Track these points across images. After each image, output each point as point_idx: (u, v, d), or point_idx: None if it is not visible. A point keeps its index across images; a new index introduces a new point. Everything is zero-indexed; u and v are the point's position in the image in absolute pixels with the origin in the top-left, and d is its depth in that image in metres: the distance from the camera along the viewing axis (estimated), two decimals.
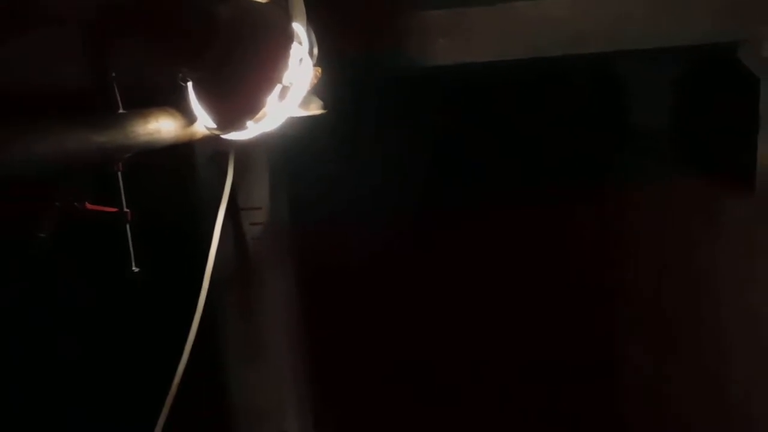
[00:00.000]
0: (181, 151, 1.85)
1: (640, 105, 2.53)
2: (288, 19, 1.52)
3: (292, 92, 1.58)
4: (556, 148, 2.54)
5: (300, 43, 1.55)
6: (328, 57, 1.72)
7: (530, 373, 2.46)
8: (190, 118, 1.55)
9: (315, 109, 1.81)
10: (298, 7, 1.54)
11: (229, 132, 1.56)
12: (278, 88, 1.53)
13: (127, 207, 1.48)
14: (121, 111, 1.40)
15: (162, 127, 1.46)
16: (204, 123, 1.57)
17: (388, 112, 2.41)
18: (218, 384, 2.32)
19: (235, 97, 1.51)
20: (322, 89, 1.80)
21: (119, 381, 2.10)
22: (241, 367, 2.35)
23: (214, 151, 2.10)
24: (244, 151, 2.04)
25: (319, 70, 1.71)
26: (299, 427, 2.44)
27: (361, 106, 2.29)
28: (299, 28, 1.57)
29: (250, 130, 1.56)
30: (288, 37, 1.50)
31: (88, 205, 1.42)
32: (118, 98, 1.40)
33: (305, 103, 1.72)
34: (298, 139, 1.94)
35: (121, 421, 2.09)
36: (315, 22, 1.65)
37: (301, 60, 1.57)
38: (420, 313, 2.48)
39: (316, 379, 2.44)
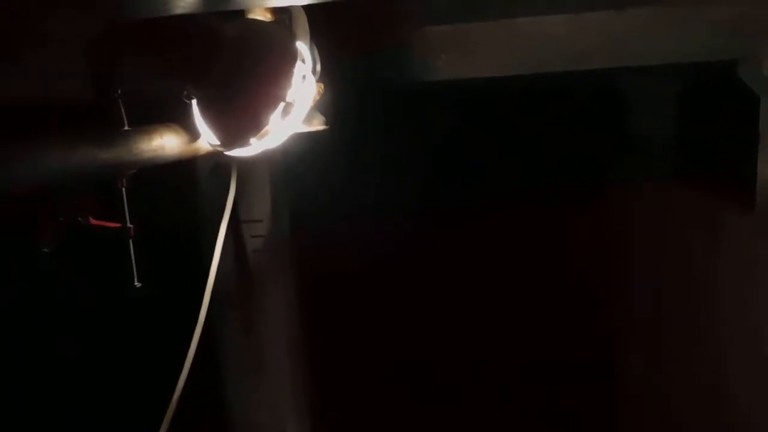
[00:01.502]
0: (183, 165, 1.87)
1: (640, 121, 2.55)
2: (292, 38, 1.53)
3: (295, 109, 1.60)
4: (557, 163, 2.55)
5: (303, 61, 1.57)
6: (330, 72, 1.73)
7: (530, 374, 2.46)
8: (194, 135, 1.56)
9: (317, 124, 1.82)
10: (302, 25, 1.55)
11: (232, 149, 1.58)
12: (281, 105, 1.54)
13: (131, 221, 1.49)
14: (126, 128, 1.42)
15: (166, 143, 1.47)
16: (208, 140, 1.58)
17: (389, 127, 2.43)
18: (219, 397, 2.32)
19: (238, 115, 1.52)
20: (324, 104, 1.82)
21: (121, 394, 2.10)
22: (242, 380, 2.35)
23: (216, 164, 2.11)
24: (246, 164, 2.04)
25: (322, 86, 1.72)
26: None
27: (364, 121, 2.30)
28: (302, 47, 1.58)
29: (254, 147, 1.58)
30: (291, 56, 1.52)
31: (92, 220, 1.43)
32: (124, 115, 1.41)
33: (308, 119, 1.74)
34: (300, 153, 1.95)
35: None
36: (317, 38, 1.67)
37: (304, 77, 1.59)
38: (419, 322, 2.49)
39: (317, 392, 2.44)
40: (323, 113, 1.84)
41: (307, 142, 1.89)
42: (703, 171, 2.50)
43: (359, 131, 2.31)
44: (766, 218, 2.42)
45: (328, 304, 2.45)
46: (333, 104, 1.83)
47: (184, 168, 2.06)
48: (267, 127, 1.53)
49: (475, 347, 2.49)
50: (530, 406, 2.46)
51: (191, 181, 2.18)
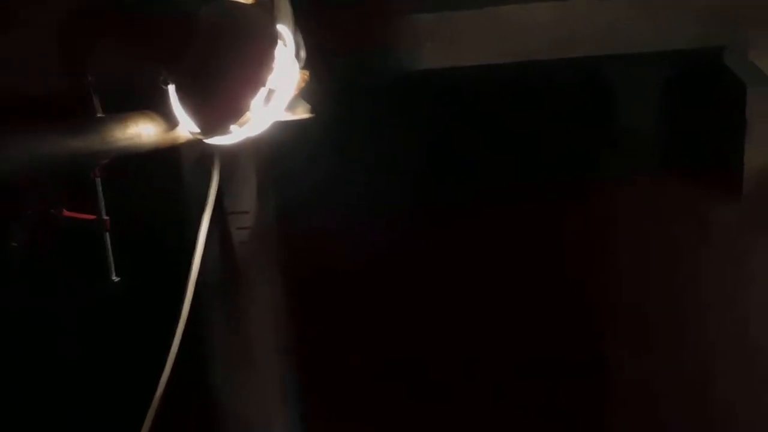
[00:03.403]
0: (165, 155, 1.77)
1: (627, 109, 2.47)
2: (272, 20, 1.43)
3: (278, 96, 1.50)
4: (545, 151, 2.47)
5: (285, 44, 1.47)
6: (315, 60, 1.64)
7: (524, 370, 2.39)
8: (172, 123, 1.46)
9: (302, 113, 1.73)
10: (284, 8, 1.46)
11: (212, 136, 1.48)
12: (263, 91, 1.44)
13: (110, 213, 1.40)
14: (99, 115, 1.31)
15: (142, 131, 1.37)
16: (187, 127, 1.48)
17: (376, 116, 2.34)
18: (205, 390, 2.23)
19: (217, 101, 1.42)
20: (309, 93, 1.73)
21: (105, 390, 2.01)
22: (229, 375, 2.27)
23: (200, 153, 2.02)
24: (231, 154, 1.95)
25: (307, 73, 1.63)
26: None
27: (349, 110, 2.21)
28: (285, 30, 1.48)
29: (235, 135, 1.48)
30: (272, 39, 1.42)
31: (65, 213, 1.33)
32: (96, 102, 1.31)
33: (292, 107, 1.64)
34: (286, 143, 1.86)
35: (107, 429, 2.00)
36: (303, 26, 1.58)
37: (286, 63, 1.49)
38: (411, 318, 2.41)
39: (305, 387, 2.36)
40: (308, 101, 1.75)
41: (292, 131, 1.81)
42: (690, 159, 2.43)
43: (346, 121, 2.23)
44: (754, 206, 2.36)
45: (317, 297, 2.36)
46: (318, 93, 1.75)
47: (167, 158, 1.97)
48: (248, 114, 1.44)
49: (468, 343, 2.41)
50: (525, 403, 2.39)
51: (175, 172, 2.08)
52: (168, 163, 1.96)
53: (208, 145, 1.61)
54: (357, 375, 2.40)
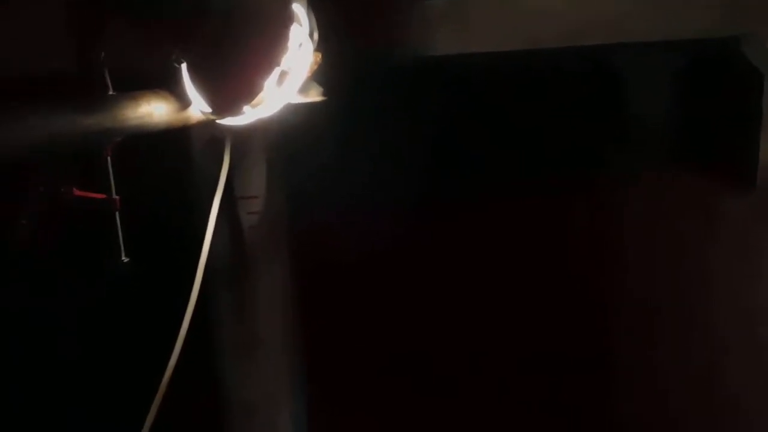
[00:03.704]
0: (175, 137, 1.74)
1: (641, 99, 2.42)
2: (287, 0, 1.40)
3: (291, 77, 1.47)
4: (555, 139, 2.43)
5: (300, 24, 1.44)
6: (327, 45, 1.61)
7: (529, 366, 2.36)
8: (184, 102, 1.43)
9: (314, 95, 1.70)
10: None
11: (224, 117, 1.45)
12: (276, 72, 1.41)
13: (118, 193, 1.36)
14: (110, 93, 1.28)
15: (154, 110, 1.34)
16: (199, 107, 1.45)
17: (387, 101, 2.30)
18: (212, 377, 2.21)
19: (230, 81, 1.39)
20: (320, 76, 1.69)
21: (110, 375, 1.98)
22: (236, 361, 2.25)
23: (210, 136, 1.99)
24: (242, 138, 1.93)
25: (319, 55, 1.59)
26: (293, 421, 2.34)
27: (360, 95, 2.18)
28: (299, 10, 1.45)
29: (247, 116, 1.45)
30: (287, 18, 1.39)
31: (75, 191, 1.30)
32: (108, 80, 1.28)
33: (304, 89, 1.61)
34: (297, 127, 1.84)
35: (113, 416, 1.98)
36: (316, 7, 1.54)
37: (300, 44, 1.46)
38: (418, 305, 2.38)
39: (312, 373, 2.33)
40: (320, 85, 1.72)
41: (303, 116, 1.78)
42: (705, 151, 2.39)
43: (356, 105, 2.19)
44: (767, 198, 2.32)
45: (325, 284, 2.33)
46: (330, 76, 1.71)
47: (177, 140, 1.94)
48: (261, 95, 1.40)
49: (472, 337, 2.38)
50: (530, 398, 2.37)
51: (184, 154, 2.05)
52: (178, 144, 1.93)
53: (219, 127, 1.58)
54: (362, 365, 2.38)
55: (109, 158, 1.30)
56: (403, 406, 2.38)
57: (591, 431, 2.39)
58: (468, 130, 2.41)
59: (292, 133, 1.91)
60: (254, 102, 1.41)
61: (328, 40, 1.60)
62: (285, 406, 2.33)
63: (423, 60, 2.16)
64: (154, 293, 1.92)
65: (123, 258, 1.33)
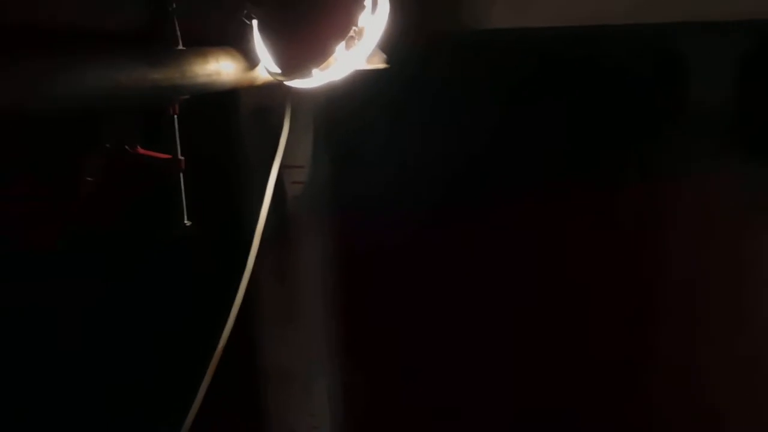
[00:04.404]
0: (224, 103, 1.67)
1: (700, 84, 2.28)
2: None
3: (363, 42, 1.38)
4: (609, 122, 2.31)
5: None
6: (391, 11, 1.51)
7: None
8: (252, 61, 1.34)
9: (378, 62, 1.61)
10: None
11: (293, 78, 1.36)
12: (350, 34, 1.32)
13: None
14: (180, 48, 1.20)
15: (222, 68, 1.26)
16: (267, 66, 1.36)
17: (441, 76, 2.20)
18: (252, 345, 2.17)
19: (302, 41, 1.30)
20: (384, 44, 1.60)
21: (158, 340, 1.93)
22: (276, 328, 2.21)
23: (257, 105, 1.92)
24: (289, 107, 1.85)
25: (386, 23, 1.50)
26: (330, 389, 2.29)
27: (415, 68, 2.08)
28: None
29: (315, 79, 1.36)
30: None
31: (140, 150, 1.23)
32: (178, 33, 1.20)
33: (370, 55, 1.52)
34: (346, 97, 1.75)
35: (158, 381, 1.93)
36: None
37: (375, 6, 1.37)
38: (459, 278, 2.30)
39: (351, 342, 2.28)
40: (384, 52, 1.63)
41: (350, 87, 1.69)
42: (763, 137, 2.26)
43: (409, 79, 2.10)
44: None
45: (365, 255, 2.26)
46: (392, 44, 1.62)
47: (225, 107, 1.86)
48: (332, 58, 1.32)
49: (512, 322, 2.30)
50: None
51: (233, 123, 1.98)
52: (225, 110, 1.86)
53: (272, 96, 1.50)
54: (401, 329, 2.31)
55: (176, 117, 1.22)
56: (437, 377, 2.33)
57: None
58: (524, 105, 2.30)
59: (341, 102, 1.84)
60: (324, 65, 1.33)
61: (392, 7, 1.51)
62: (321, 374, 2.29)
63: (480, 33, 2.06)
64: (206, 258, 1.86)
65: (185, 221, 1.26)
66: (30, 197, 1.22)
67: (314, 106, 2.05)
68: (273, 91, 1.73)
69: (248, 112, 1.99)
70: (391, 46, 1.62)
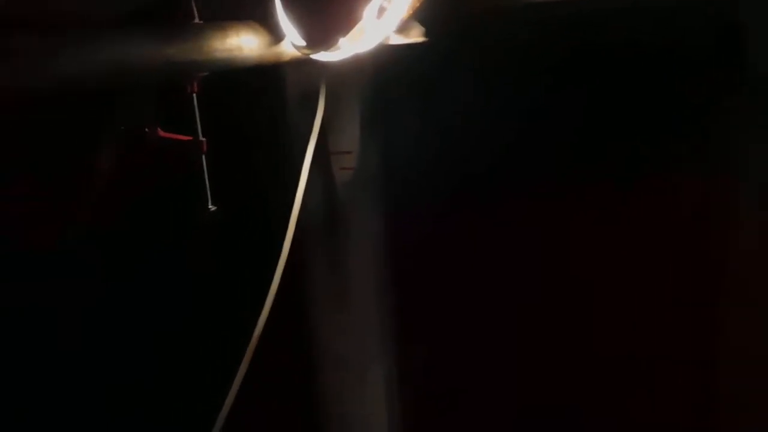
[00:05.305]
0: (268, 80, 1.57)
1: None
2: None
3: (392, 10, 1.25)
4: (658, 105, 2.07)
5: None
6: None
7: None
8: (276, 36, 1.24)
9: (416, 36, 1.47)
10: None
11: (319, 50, 1.25)
12: (376, 2, 1.20)
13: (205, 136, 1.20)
14: (196, 21, 1.11)
15: (243, 43, 1.16)
16: (291, 39, 1.25)
17: (489, 52, 2.04)
18: (304, 332, 2.10)
19: (327, 9, 1.19)
20: (423, 16, 1.47)
21: (202, 327, 1.88)
22: (327, 315, 2.13)
23: (304, 91, 1.83)
24: (336, 92, 1.75)
25: None
26: (383, 375, 2.19)
27: (460, 45, 1.93)
28: None
29: (343, 50, 1.24)
30: None
31: (161, 132, 1.14)
32: (194, 7, 1.10)
33: (405, 29, 1.39)
34: (393, 81, 1.63)
35: (202, 367, 1.89)
36: None
37: None
38: (508, 260, 2.14)
39: (402, 329, 2.17)
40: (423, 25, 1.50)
41: (400, 69, 1.57)
42: None
43: (457, 56, 1.95)
44: None
45: (415, 241, 2.15)
46: (432, 17, 1.49)
47: (269, 84, 1.78)
48: (359, 25, 1.19)
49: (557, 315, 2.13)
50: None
51: (279, 109, 1.90)
52: (270, 90, 1.77)
53: (314, 70, 1.40)
54: (452, 317, 2.19)
55: (195, 95, 1.13)
56: (491, 363, 2.19)
57: None
58: (570, 79, 2.11)
59: (390, 85, 1.72)
60: (351, 34, 1.20)
61: None
62: (376, 361, 2.20)
63: (527, 6, 1.89)
64: (245, 246, 1.79)
65: (210, 206, 1.17)
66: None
67: (360, 89, 1.95)
68: (314, 74, 1.64)
69: (290, 96, 1.92)
70: (431, 18, 1.49)
